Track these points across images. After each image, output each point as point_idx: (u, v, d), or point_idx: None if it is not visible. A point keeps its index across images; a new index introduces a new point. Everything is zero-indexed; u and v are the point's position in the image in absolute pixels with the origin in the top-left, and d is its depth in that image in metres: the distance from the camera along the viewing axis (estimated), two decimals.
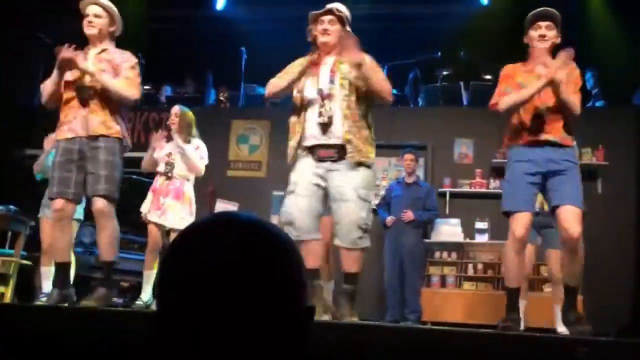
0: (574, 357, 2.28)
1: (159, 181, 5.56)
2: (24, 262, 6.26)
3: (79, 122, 3.98)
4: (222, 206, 8.09)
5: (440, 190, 7.83)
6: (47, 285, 5.53)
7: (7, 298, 5.98)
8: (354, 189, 3.69)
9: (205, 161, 5.66)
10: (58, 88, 4.08)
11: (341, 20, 3.94)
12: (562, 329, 5.16)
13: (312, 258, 3.76)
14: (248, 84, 9.05)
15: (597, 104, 8.04)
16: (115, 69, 4.08)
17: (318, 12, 3.96)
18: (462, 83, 8.31)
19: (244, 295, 0.88)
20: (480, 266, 7.40)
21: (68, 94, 4.04)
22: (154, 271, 5.42)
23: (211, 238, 0.93)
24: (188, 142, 5.59)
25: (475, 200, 7.66)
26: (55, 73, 4.06)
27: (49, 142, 5.78)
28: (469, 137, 8.03)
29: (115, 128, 4.02)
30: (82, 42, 4.12)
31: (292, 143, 3.89)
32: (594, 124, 7.06)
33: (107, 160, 3.96)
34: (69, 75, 4.03)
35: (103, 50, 4.14)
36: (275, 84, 3.96)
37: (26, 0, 8.37)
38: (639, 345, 2.61)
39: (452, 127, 8.00)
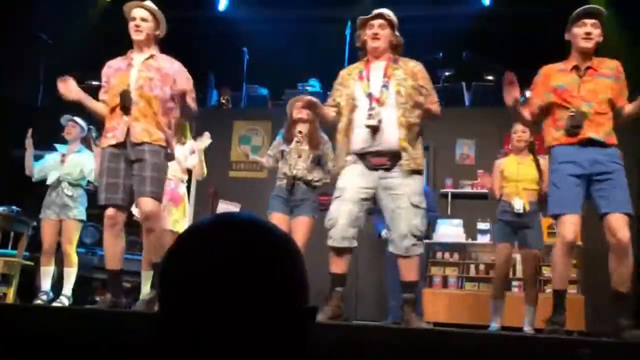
0: (576, 358, 2.28)
1: None
2: (26, 262, 6.27)
3: (122, 129, 3.92)
4: (223, 207, 8.09)
5: (442, 190, 7.83)
6: (45, 285, 5.54)
7: (10, 298, 5.99)
8: (407, 196, 3.68)
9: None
10: (97, 111, 4.11)
11: (391, 24, 3.93)
12: (528, 328, 5.19)
13: (341, 264, 3.78)
14: (250, 84, 9.05)
15: None
16: (164, 77, 4.02)
17: (367, 16, 3.94)
18: (464, 83, 8.30)
19: (244, 296, 0.88)
20: (482, 267, 7.40)
21: (113, 102, 3.99)
22: (152, 271, 5.42)
23: (212, 238, 0.92)
24: (183, 144, 5.59)
25: (477, 201, 7.64)
26: (87, 104, 4.09)
27: (29, 142, 5.71)
28: (471, 137, 8.02)
29: (158, 135, 3.96)
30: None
31: (339, 149, 3.87)
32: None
33: (153, 162, 3.91)
34: (115, 82, 4.01)
35: (150, 57, 4.07)
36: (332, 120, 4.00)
37: (26, 0, 8.37)
38: None
39: (453, 127, 7.98)
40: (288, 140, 5.12)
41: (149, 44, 4.10)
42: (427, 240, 7.19)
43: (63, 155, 5.75)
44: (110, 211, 3.95)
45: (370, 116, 3.70)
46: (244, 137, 8.66)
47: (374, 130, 3.71)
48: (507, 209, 5.25)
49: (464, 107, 8.27)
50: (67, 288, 5.52)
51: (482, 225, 7.54)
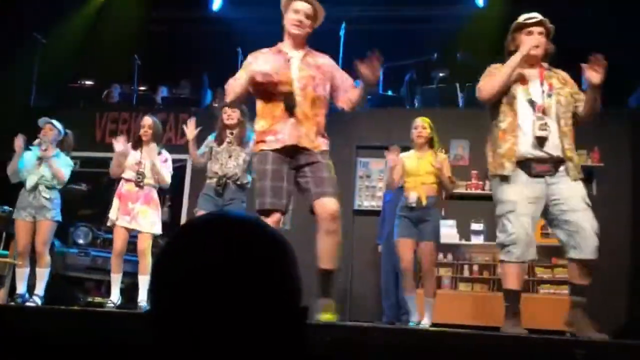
0: (572, 359, 2.28)
1: (125, 187, 5.57)
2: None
3: (288, 132, 3.63)
4: None
5: None
6: (21, 287, 5.50)
7: (1, 299, 5.96)
8: (581, 198, 3.61)
9: (171, 172, 5.76)
10: (247, 93, 3.74)
11: (548, 33, 3.83)
12: (427, 321, 5.25)
13: (520, 280, 3.71)
14: None
15: None
16: (324, 74, 3.77)
17: (527, 21, 3.81)
18: (458, 84, 8.32)
19: (240, 295, 0.87)
20: (475, 267, 7.41)
21: (274, 103, 3.68)
22: (121, 274, 5.45)
23: (207, 237, 0.92)
24: (158, 153, 5.62)
25: (471, 202, 7.66)
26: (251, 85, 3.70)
27: (18, 144, 5.72)
28: (465, 138, 8.02)
29: (318, 142, 3.71)
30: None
31: (501, 151, 3.75)
32: (589, 126, 7.07)
33: (327, 163, 3.68)
34: (275, 81, 3.67)
35: (307, 54, 3.81)
36: (491, 85, 3.77)
37: (25, 0, 8.35)
38: (636, 347, 2.62)
39: (448, 128, 7.97)
40: (220, 142, 5.43)
41: (305, 40, 3.82)
42: None
43: (39, 159, 5.71)
44: (276, 217, 3.59)
45: (541, 127, 3.64)
46: None
47: (543, 140, 3.66)
48: (405, 204, 5.38)
49: (458, 108, 8.27)
50: (40, 288, 5.50)
51: (475, 226, 7.56)
